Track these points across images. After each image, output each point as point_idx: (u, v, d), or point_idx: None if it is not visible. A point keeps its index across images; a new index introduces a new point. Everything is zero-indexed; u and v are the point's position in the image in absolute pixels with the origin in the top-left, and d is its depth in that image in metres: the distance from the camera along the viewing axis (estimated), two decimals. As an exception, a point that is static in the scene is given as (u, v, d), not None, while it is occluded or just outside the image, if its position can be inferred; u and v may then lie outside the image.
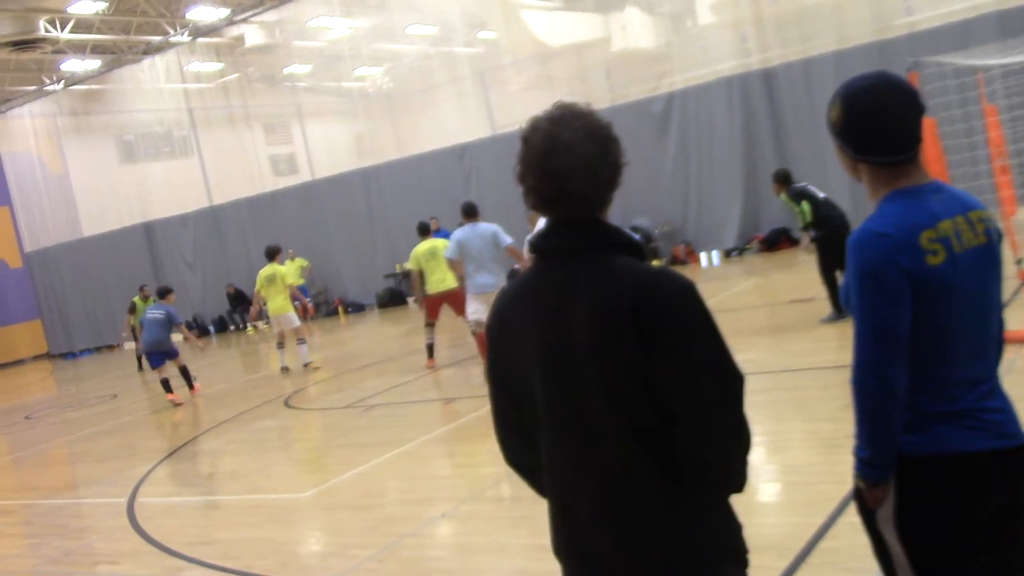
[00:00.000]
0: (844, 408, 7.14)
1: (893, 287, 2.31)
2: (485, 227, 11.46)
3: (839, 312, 10.12)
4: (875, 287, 2.32)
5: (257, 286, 15.12)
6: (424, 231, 13.14)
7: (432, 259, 12.51)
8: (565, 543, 2.26)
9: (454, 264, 11.29)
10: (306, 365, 14.96)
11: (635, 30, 23.73)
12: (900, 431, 2.36)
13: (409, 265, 13.05)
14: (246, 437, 10.88)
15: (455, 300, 12.15)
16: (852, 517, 4.87)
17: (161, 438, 11.91)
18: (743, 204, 18.72)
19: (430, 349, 12.89)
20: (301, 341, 15.20)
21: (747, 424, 2.13)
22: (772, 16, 19.45)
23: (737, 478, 2.17)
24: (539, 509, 5.58)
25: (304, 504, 7.46)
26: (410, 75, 30.91)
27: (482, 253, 11.17)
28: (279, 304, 14.85)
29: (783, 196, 10.83)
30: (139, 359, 19.51)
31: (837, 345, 9.53)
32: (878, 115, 2.42)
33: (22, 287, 29.98)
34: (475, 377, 11.31)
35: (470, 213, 11.51)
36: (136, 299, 19.63)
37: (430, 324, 12.73)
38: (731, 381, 2.10)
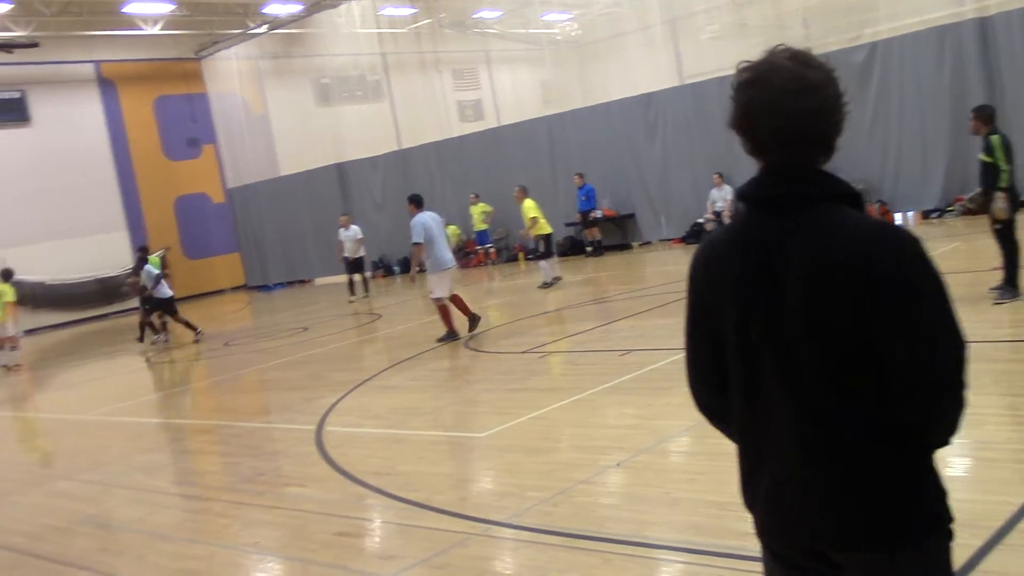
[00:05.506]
0: (1051, 384, 6.70)
1: None
2: (433, 214, 13.24)
3: (1013, 289, 9.40)
4: None
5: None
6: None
7: None
8: (762, 497, 2.21)
9: (420, 248, 12.81)
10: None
11: (838, -24, 22.60)
12: None
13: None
14: (427, 375, 11.21)
15: None
16: (1058, 500, 4.60)
17: (348, 371, 12.43)
18: (947, 164, 17.58)
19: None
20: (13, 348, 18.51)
21: (965, 389, 2.03)
22: (991, -39, 18.10)
23: (946, 441, 2.09)
24: (716, 465, 5.47)
25: (482, 443, 7.64)
26: (599, 22, 30.64)
27: (441, 234, 12.96)
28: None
29: (995, 140, 9.28)
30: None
31: (1045, 317, 8.92)
32: None
33: (224, 221, 31.75)
34: (653, 330, 11.23)
35: (420, 203, 13.10)
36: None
37: None
38: (958, 345, 2.01)
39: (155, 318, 18.77)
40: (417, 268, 13.57)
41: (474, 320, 12.94)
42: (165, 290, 18.21)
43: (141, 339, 18.69)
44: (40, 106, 28.18)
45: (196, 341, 18.24)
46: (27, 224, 27.09)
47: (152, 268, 18.22)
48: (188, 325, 18.51)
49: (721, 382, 2.26)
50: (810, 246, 2.05)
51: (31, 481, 9.34)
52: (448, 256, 12.94)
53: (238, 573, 5.76)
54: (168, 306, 18.37)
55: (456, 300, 12.99)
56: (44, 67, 27.24)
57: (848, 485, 2.06)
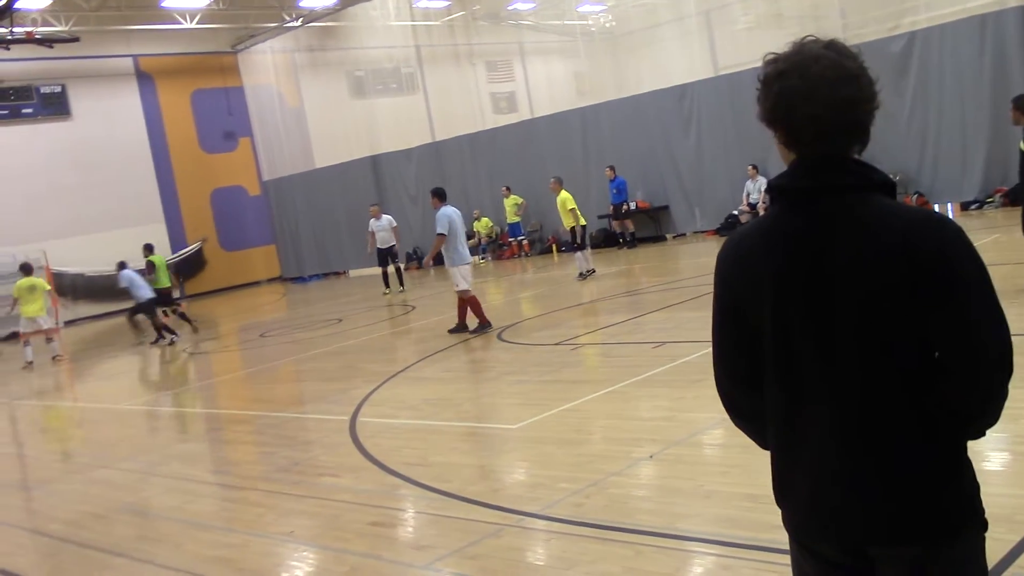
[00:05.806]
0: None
1: None
2: (455, 209, 13.23)
3: None
4: None
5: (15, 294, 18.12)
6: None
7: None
8: (796, 492, 2.18)
9: (443, 239, 12.91)
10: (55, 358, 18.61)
11: (876, -35, 22.33)
12: None
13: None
14: (460, 367, 11.25)
15: None
16: (1097, 495, 4.53)
17: (382, 362, 12.49)
18: (987, 154, 17.34)
19: None
20: (50, 339, 18.82)
21: (1010, 378, 2.02)
22: (1033, -52, 17.78)
23: (983, 431, 2.09)
24: (749, 458, 5.44)
25: (514, 435, 7.65)
26: (633, 13, 30.50)
27: (462, 230, 13.10)
28: (34, 310, 17.89)
29: None
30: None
31: (1087, 310, 8.77)
32: None
33: (260, 213, 32.00)
34: (686, 323, 11.19)
35: (444, 197, 13.20)
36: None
37: None
38: (1004, 334, 1.99)
39: (164, 319, 18.90)
40: (434, 256, 13.96)
41: (463, 328, 13.03)
42: (146, 292, 18.45)
43: (156, 341, 18.74)
44: (80, 100, 28.56)
45: (140, 342, 18.92)
46: (67, 216, 27.50)
47: (128, 273, 18.44)
48: (139, 328, 19.03)
49: (749, 378, 2.23)
50: (850, 237, 2.03)
51: (70, 469, 9.49)
52: (467, 252, 13.22)
53: (273, 562, 5.82)
54: (147, 308, 18.56)
55: (473, 301, 12.98)
56: (84, 61, 27.56)
57: (890, 478, 2.04)
